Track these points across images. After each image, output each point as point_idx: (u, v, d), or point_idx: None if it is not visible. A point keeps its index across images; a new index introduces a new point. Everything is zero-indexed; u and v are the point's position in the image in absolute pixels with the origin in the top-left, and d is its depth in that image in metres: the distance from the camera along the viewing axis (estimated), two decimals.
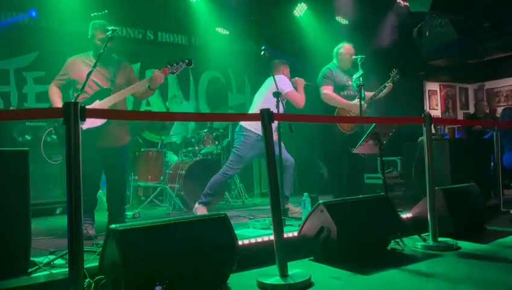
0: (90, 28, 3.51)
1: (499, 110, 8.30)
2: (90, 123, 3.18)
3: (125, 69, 3.64)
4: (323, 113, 4.59)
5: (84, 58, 3.51)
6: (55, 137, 3.47)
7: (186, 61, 3.55)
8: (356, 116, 4.39)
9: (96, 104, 3.32)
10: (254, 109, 4.38)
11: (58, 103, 3.39)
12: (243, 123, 4.32)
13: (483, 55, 7.92)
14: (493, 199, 4.72)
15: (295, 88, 4.32)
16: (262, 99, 4.30)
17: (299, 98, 4.25)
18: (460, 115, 9.51)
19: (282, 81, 4.21)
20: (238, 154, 4.22)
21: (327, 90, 4.56)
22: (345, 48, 4.68)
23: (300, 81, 4.33)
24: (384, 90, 4.57)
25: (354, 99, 4.56)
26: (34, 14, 5.53)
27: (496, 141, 4.56)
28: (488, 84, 9.49)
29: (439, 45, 5.69)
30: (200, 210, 4.16)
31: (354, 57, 4.60)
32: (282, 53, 6.08)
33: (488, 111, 8.07)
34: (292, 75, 4.53)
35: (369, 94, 4.60)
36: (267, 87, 4.31)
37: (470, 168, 4.93)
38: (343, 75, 4.65)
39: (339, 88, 4.59)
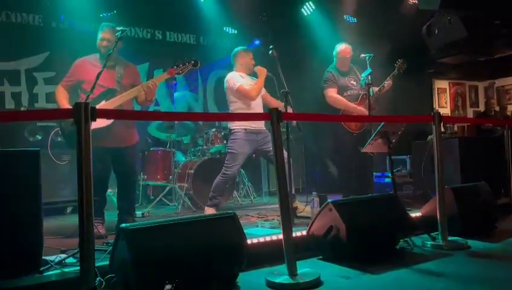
0: (99, 30, 3.53)
1: (510, 108, 8.22)
2: (96, 123, 3.20)
3: (132, 72, 3.67)
4: (329, 113, 4.58)
5: (92, 60, 3.53)
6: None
7: (192, 61, 3.57)
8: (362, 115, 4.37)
9: (102, 105, 3.34)
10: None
11: (65, 104, 3.40)
12: (229, 125, 4.39)
13: (493, 53, 7.82)
14: (504, 198, 4.67)
15: (253, 77, 4.26)
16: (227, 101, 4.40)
17: (246, 92, 4.17)
18: (470, 113, 9.41)
19: (229, 80, 4.28)
20: (231, 152, 4.25)
21: (332, 93, 4.57)
22: (341, 48, 4.65)
23: (261, 71, 4.17)
24: (385, 86, 4.54)
25: (357, 98, 4.55)
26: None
27: (506, 139, 4.51)
28: (499, 82, 9.38)
29: (448, 43, 5.63)
30: (209, 212, 4.19)
31: (356, 55, 4.59)
32: (290, 51, 6.07)
33: (498, 109, 7.99)
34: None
35: (375, 90, 4.57)
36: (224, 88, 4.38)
37: (480, 167, 4.88)
38: (342, 76, 4.64)
39: (342, 89, 4.60)
